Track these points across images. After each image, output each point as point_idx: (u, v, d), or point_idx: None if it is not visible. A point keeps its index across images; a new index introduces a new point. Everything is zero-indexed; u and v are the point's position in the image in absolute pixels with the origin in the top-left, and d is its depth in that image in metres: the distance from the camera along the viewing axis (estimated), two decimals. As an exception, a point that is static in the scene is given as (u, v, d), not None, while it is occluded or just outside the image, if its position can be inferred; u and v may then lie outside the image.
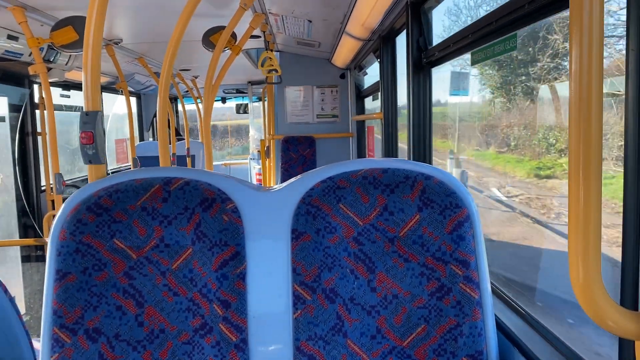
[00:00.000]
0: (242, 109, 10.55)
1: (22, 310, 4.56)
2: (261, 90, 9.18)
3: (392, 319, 1.41)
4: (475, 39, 2.00)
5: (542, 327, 1.51)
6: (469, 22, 2.08)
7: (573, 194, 0.91)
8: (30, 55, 3.87)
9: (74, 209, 1.39)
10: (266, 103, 7.16)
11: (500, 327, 1.54)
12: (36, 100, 5.13)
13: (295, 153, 5.98)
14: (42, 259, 4.76)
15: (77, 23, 3.31)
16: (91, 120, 1.51)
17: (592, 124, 0.90)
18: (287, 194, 1.46)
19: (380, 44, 3.80)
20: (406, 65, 2.82)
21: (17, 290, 4.61)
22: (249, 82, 9.39)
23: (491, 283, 1.48)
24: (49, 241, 1.39)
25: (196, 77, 7.71)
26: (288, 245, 1.43)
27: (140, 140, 8.48)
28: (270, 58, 4.12)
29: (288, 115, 6.08)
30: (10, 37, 3.61)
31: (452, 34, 2.27)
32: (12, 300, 2.54)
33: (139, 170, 1.47)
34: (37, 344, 2.74)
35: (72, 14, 3.33)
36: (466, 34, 2.06)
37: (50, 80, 3.75)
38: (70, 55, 4.37)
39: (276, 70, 4.30)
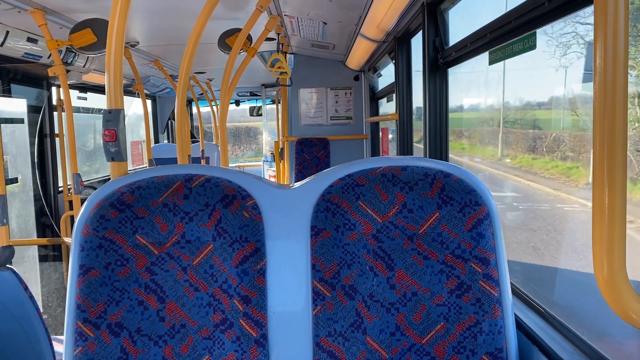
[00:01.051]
0: (255, 112, 10.61)
1: (40, 309, 4.62)
2: (275, 92, 9.23)
3: (412, 316, 1.41)
4: (493, 38, 2.00)
5: (562, 325, 1.50)
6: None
7: (597, 187, 0.91)
8: (49, 57, 3.93)
9: (97, 205, 1.41)
10: (280, 105, 7.20)
11: (520, 325, 1.54)
12: (54, 102, 5.20)
13: (309, 155, 5.99)
14: (59, 258, 4.81)
15: (95, 25, 3.36)
16: (114, 118, 1.54)
17: (617, 119, 0.91)
18: (307, 191, 1.47)
19: (395, 45, 3.80)
20: (422, 66, 2.82)
21: (34, 290, 4.66)
22: (263, 84, 9.43)
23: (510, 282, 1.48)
24: (73, 236, 1.42)
25: (211, 80, 7.76)
26: (307, 241, 1.44)
27: (155, 143, 8.56)
28: (280, 60, 4.14)
29: (302, 117, 6.10)
30: (29, 40, 3.66)
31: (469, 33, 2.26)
32: (32, 297, 2.58)
33: (160, 167, 1.49)
34: (55, 342, 2.78)
35: (90, 16, 3.37)
36: (484, 34, 2.05)
37: (68, 82, 3.80)
38: (87, 58, 4.42)
39: (286, 73, 4.32)
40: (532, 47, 1.73)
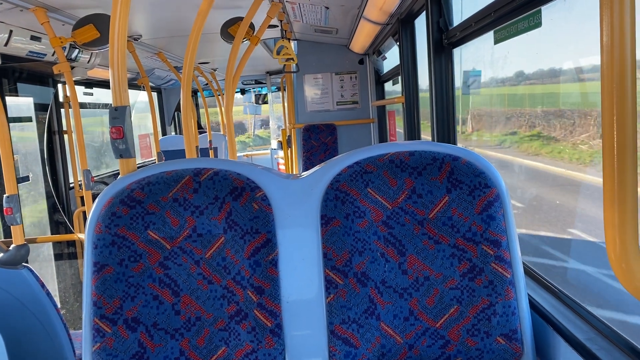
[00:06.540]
0: (261, 99, 10.60)
1: (58, 305, 4.67)
2: (279, 79, 9.20)
3: (425, 300, 1.41)
4: (498, 17, 1.97)
5: (577, 305, 1.50)
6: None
7: (608, 166, 0.91)
8: (53, 55, 3.94)
9: (107, 202, 1.42)
10: (286, 92, 7.18)
11: (534, 306, 1.54)
12: (60, 99, 5.22)
13: (317, 141, 5.98)
14: (73, 254, 4.87)
15: (97, 21, 3.35)
16: (120, 115, 1.54)
17: (627, 97, 0.89)
18: (315, 181, 1.47)
19: (399, 27, 3.77)
20: (427, 47, 2.79)
21: (51, 286, 4.72)
22: (267, 72, 9.40)
23: (523, 262, 1.48)
24: (86, 234, 1.43)
25: (215, 70, 7.74)
26: (318, 231, 1.45)
27: (162, 135, 8.57)
28: (286, 47, 4.12)
29: (308, 103, 6.08)
30: (33, 38, 3.67)
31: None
32: (49, 294, 2.62)
33: (168, 162, 1.49)
34: (74, 337, 2.81)
35: (92, 12, 3.37)
36: (488, 12, 2.03)
37: (73, 79, 3.80)
38: (92, 53, 4.42)
39: (292, 59, 4.29)
40: (538, 24, 1.70)
